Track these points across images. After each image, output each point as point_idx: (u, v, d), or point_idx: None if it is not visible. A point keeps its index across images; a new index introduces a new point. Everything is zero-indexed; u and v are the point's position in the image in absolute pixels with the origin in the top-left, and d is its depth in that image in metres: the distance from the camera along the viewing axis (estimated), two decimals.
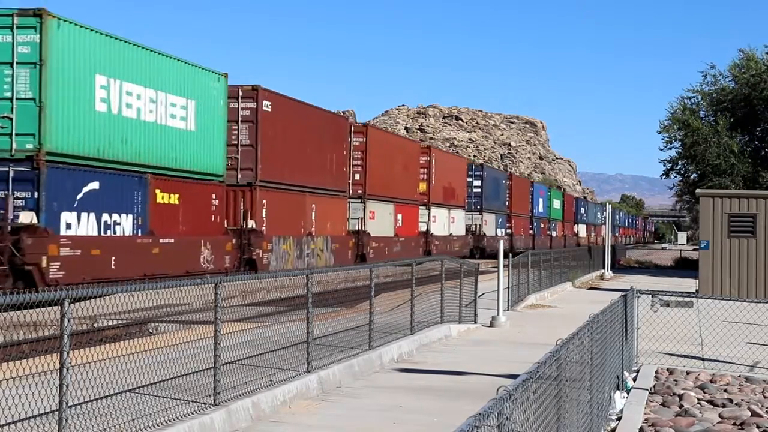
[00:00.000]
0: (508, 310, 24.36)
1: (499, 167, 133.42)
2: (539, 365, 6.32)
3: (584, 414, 8.76)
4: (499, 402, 4.92)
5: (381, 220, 47.91)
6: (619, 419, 11.10)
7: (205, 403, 10.28)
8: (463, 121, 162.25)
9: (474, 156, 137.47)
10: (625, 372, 13.64)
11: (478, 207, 69.83)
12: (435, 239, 56.97)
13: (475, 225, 69.07)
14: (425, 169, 56.62)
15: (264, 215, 34.02)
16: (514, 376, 7.95)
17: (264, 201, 34.02)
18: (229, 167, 32.95)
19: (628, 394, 12.71)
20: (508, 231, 76.37)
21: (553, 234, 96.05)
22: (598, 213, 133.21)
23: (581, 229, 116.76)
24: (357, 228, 44.99)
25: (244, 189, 33.50)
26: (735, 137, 51.71)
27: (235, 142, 33.55)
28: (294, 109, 37.82)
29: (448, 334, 19.51)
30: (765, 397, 13.46)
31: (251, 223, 33.16)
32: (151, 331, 19.06)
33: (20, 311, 17.01)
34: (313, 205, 38.73)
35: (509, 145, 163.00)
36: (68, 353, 8.22)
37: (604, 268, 49.00)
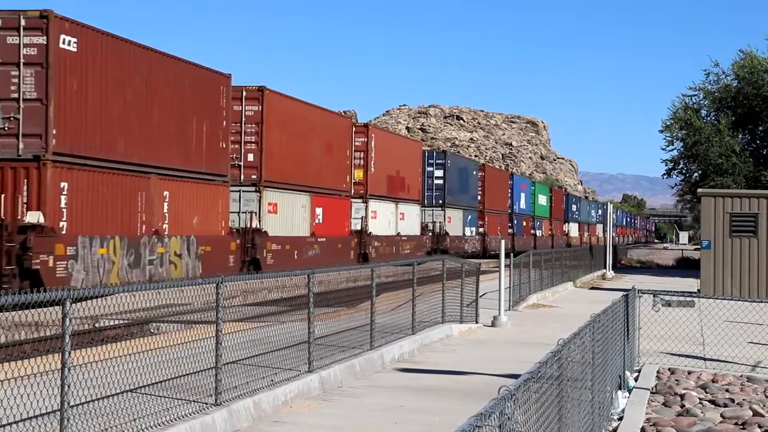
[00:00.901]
0: (509, 309, 24.35)
1: (500, 167, 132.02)
2: (541, 365, 6.32)
3: (586, 414, 8.76)
4: (500, 402, 4.92)
5: (289, 215, 37.86)
6: (620, 419, 11.10)
7: (206, 403, 10.28)
8: (464, 120, 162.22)
9: (475, 156, 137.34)
10: (626, 372, 13.64)
11: (440, 202, 59.50)
12: (374, 240, 47.09)
13: (435, 223, 58.89)
14: (362, 153, 46.66)
15: (63, 205, 24.26)
16: (515, 376, 7.95)
17: (63, 184, 24.34)
18: (5, 133, 23.72)
19: (629, 393, 12.71)
20: (480, 230, 68.23)
21: (539, 233, 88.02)
22: (592, 211, 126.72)
23: (572, 228, 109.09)
24: (248, 225, 34.41)
25: (28, 165, 23.72)
26: (737, 137, 51.68)
27: (15, 95, 23.79)
28: (128, 53, 27.36)
29: (450, 333, 19.50)
30: (767, 396, 13.46)
31: (35, 217, 23.49)
32: (152, 331, 19.06)
33: (22, 311, 17.00)
34: (166, 193, 29.13)
35: (510, 144, 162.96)
36: (70, 353, 8.22)
37: (605, 267, 48.98)
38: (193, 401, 10.27)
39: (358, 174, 46.40)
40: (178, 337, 11.84)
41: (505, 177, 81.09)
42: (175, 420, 9.50)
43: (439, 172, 59.85)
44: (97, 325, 18.68)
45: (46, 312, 16.41)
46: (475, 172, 68.65)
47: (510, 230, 76.08)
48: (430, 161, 59.92)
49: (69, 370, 8.21)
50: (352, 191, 45.51)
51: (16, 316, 17.12)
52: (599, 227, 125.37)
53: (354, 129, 46.91)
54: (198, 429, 9.59)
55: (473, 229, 66.19)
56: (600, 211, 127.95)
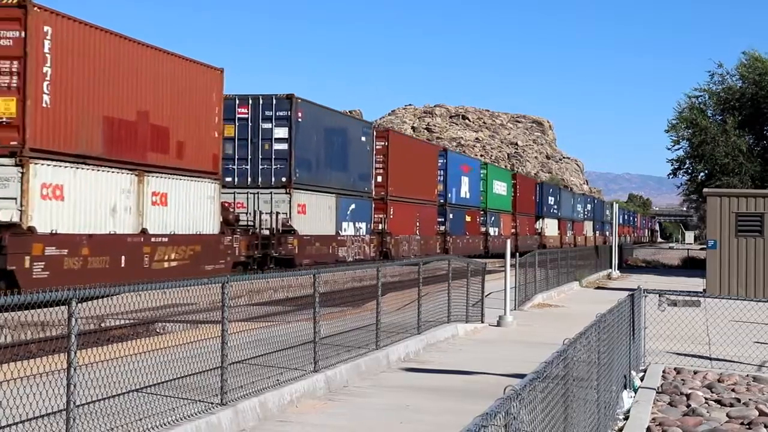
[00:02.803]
0: (515, 309, 24.35)
1: (506, 167, 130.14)
2: (546, 365, 6.32)
3: (591, 413, 8.75)
4: (506, 401, 4.91)
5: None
6: (626, 419, 11.09)
7: (212, 403, 10.29)
8: (469, 120, 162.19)
9: (481, 155, 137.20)
10: (632, 371, 13.63)
11: (282, 180, 37.72)
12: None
13: (274, 214, 36.73)
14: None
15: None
16: (521, 376, 7.94)
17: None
18: None
19: (635, 393, 12.70)
20: (380, 227, 47.21)
21: (493, 231, 70.16)
22: (578, 205, 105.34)
23: (549, 225, 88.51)
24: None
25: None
26: (743, 136, 51.62)
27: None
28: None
29: (455, 333, 19.50)
30: None
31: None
32: (158, 330, 19.08)
33: (27, 311, 17.04)
34: None
35: (516, 144, 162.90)
36: (76, 353, 8.23)
37: (611, 267, 48.97)
38: (199, 401, 10.29)
39: None
40: (184, 337, 11.86)
41: (430, 152, 57.85)
42: (181, 420, 9.51)
43: (281, 132, 38.28)
44: (102, 324, 18.72)
45: (52, 312, 16.44)
46: (365, 138, 45.80)
47: (440, 227, 57.33)
48: (266, 113, 38.09)
49: (75, 369, 8.22)
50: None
51: (21, 316, 17.15)
52: (587, 225, 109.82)
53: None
54: (204, 429, 9.60)
55: (363, 225, 44.98)
56: (589, 206, 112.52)
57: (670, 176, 57.46)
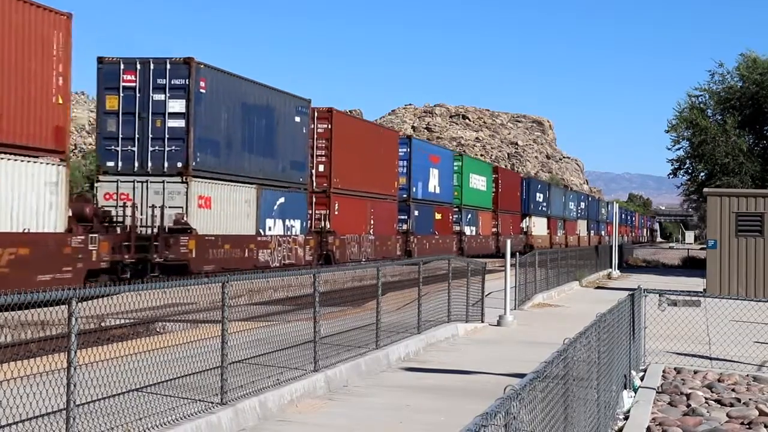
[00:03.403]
0: (515, 309, 24.34)
1: (506, 166, 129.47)
2: (546, 364, 6.31)
3: (591, 413, 8.75)
4: (506, 401, 4.91)
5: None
6: (626, 418, 11.09)
7: (212, 402, 10.29)
8: (470, 120, 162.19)
9: (481, 155, 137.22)
10: (632, 371, 13.63)
11: (178, 166, 30.96)
12: None
13: (167, 209, 30.12)
14: None
15: None
16: (521, 376, 7.94)
17: None
18: None
19: (635, 393, 12.70)
20: (321, 224, 39.83)
21: (470, 230, 63.07)
22: (570, 202, 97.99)
23: (537, 224, 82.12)
24: None
25: None
26: (743, 136, 51.61)
27: None
28: None
29: (455, 333, 19.50)
30: None
31: None
32: (158, 330, 19.08)
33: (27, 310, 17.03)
34: None
35: (516, 144, 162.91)
36: (76, 352, 8.23)
37: (611, 267, 48.96)
38: (199, 400, 10.29)
39: None
40: (184, 337, 11.86)
41: (389, 139, 49.43)
42: (181, 419, 9.51)
43: (177, 105, 31.06)
44: (102, 324, 18.72)
45: (52, 311, 16.44)
46: (299, 119, 38.39)
47: (402, 225, 50.52)
48: (159, 81, 31.12)
49: (75, 369, 8.22)
50: None
51: (21, 315, 17.15)
52: (581, 224, 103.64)
53: None
54: (204, 428, 9.60)
55: (297, 223, 37.69)
56: (583, 204, 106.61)
57: (670, 176, 57.44)
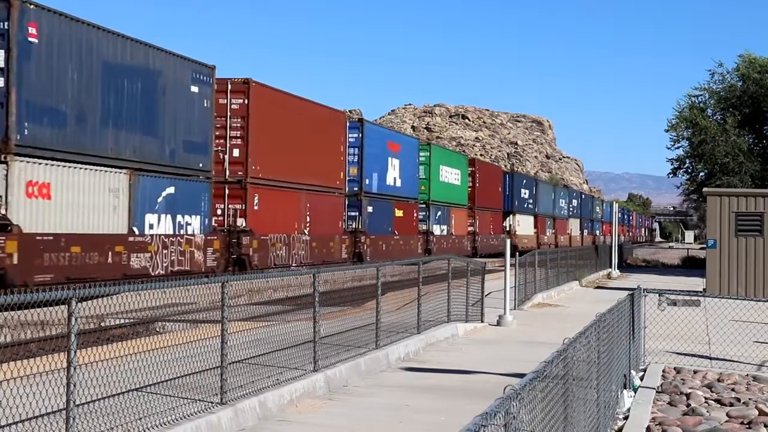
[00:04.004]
0: (515, 309, 24.35)
1: (506, 166, 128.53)
2: (546, 364, 6.32)
3: (591, 413, 8.75)
4: (506, 401, 4.91)
5: None
6: (626, 418, 11.09)
7: (212, 402, 10.29)
8: (469, 120, 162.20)
9: (481, 155, 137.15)
10: (632, 371, 13.63)
11: None
12: None
13: None
14: None
15: None
16: (521, 375, 7.94)
17: None
18: None
19: (635, 393, 12.70)
20: (240, 222, 32.70)
21: (440, 229, 54.97)
22: (561, 200, 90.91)
23: (522, 223, 74.86)
24: None
25: None
26: (743, 136, 51.62)
27: None
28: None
29: (455, 333, 19.50)
30: None
31: None
32: (157, 330, 19.08)
33: (27, 310, 17.03)
34: None
35: (516, 144, 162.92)
36: (76, 352, 8.23)
37: (611, 267, 48.97)
38: (199, 400, 10.29)
39: None
40: (184, 337, 11.85)
41: (333, 121, 40.80)
42: (181, 419, 9.51)
43: None
44: (102, 324, 18.71)
45: (51, 311, 16.44)
46: (197, 89, 30.57)
47: (349, 225, 42.24)
48: None
49: (75, 369, 8.22)
50: None
51: (21, 315, 17.15)
52: (573, 223, 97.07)
53: None
54: (204, 428, 9.60)
55: (195, 220, 30.27)
56: (575, 202, 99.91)
57: (670, 176, 57.43)
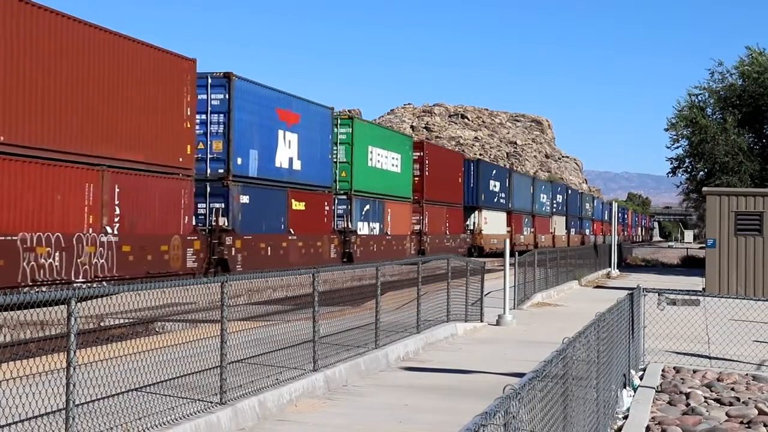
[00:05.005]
0: (514, 308, 24.34)
1: (505, 165, 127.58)
2: (546, 364, 6.32)
3: (591, 412, 8.75)
4: (505, 401, 4.91)
5: None
6: (625, 418, 11.09)
7: (211, 402, 10.29)
8: (468, 119, 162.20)
9: (480, 154, 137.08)
10: (631, 370, 13.63)
11: None
12: None
13: None
14: None
15: None
16: (520, 375, 7.95)
17: None
18: None
19: (634, 392, 12.70)
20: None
21: (367, 228, 43.94)
22: (542, 194, 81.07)
23: (491, 220, 65.09)
24: None
25: None
26: (743, 135, 51.62)
27: None
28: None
29: (455, 332, 19.50)
30: None
31: None
32: (157, 329, 19.08)
33: (26, 310, 17.03)
34: None
35: (515, 143, 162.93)
36: (75, 352, 8.23)
37: (610, 266, 48.97)
38: (198, 400, 10.28)
39: None
40: (183, 336, 11.85)
41: (169, 68, 28.69)
42: (180, 419, 9.51)
43: None
44: (102, 324, 18.71)
45: (51, 311, 16.44)
46: None
47: (214, 219, 31.45)
48: None
49: (74, 368, 8.22)
50: None
51: (21, 315, 17.15)
52: (558, 221, 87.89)
53: None
54: (203, 428, 9.60)
55: None
56: (560, 197, 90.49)
57: (670, 175, 57.44)
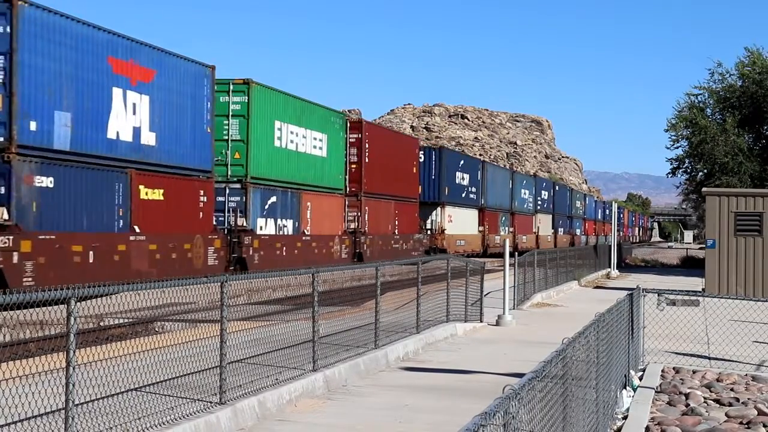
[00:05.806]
0: (514, 308, 24.34)
1: (504, 165, 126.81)
2: (545, 364, 6.32)
3: (590, 413, 8.75)
4: (505, 401, 4.91)
5: None
6: (625, 418, 11.09)
7: (211, 402, 10.29)
8: (468, 119, 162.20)
9: (480, 154, 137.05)
10: (631, 371, 13.63)
11: None
12: None
13: None
14: None
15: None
16: (520, 375, 7.95)
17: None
18: None
19: (634, 392, 12.70)
20: None
21: (272, 227, 34.49)
22: (524, 190, 73.76)
23: (457, 218, 56.92)
24: None
25: None
26: (743, 135, 51.63)
27: None
28: None
29: (454, 332, 19.50)
30: None
31: None
32: (157, 329, 19.07)
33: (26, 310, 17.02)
34: None
35: (515, 143, 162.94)
36: (75, 352, 8.23)
37: (610, 266, 48.96)
38: (198, 400, 10.28)
39: None
40: (183, 336, 11.86)
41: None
42: (180, 419, 9.51)
43: None
44: (101, 323, 18.70)
45: (50, 311, 16.43)
46: None
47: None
48: None
49: (74, 368, 8.22)
50: None
51: (21, 315, 17.14)
52: (543, 219, 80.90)
53: None
54: (203, 428, 9.60)
55: None
56: (545, 194, 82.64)
57: (669, 175, 57.45)
